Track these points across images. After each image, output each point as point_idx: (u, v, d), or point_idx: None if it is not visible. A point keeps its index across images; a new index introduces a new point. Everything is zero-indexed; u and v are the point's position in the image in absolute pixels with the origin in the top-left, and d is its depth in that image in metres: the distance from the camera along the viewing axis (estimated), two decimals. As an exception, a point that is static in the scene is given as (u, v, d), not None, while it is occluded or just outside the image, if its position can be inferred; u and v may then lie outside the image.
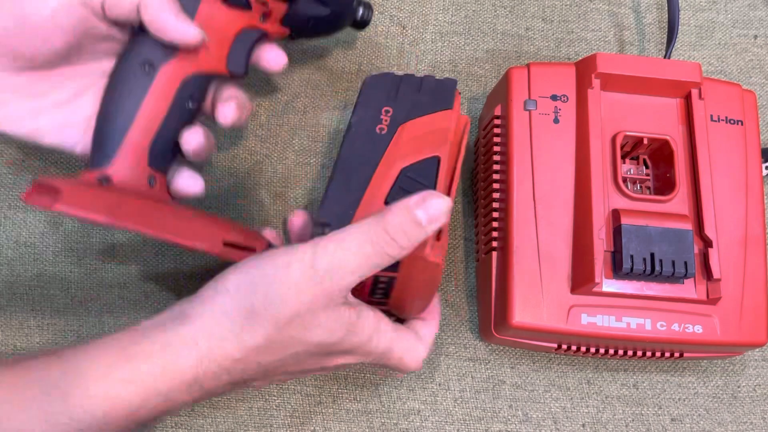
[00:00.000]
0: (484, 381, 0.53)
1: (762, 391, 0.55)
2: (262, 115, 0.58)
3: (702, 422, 0.53)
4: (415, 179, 0.44)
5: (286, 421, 0.51)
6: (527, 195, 0.49)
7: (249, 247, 0.43)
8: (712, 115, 0.51)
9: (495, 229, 0.50)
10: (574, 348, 0.50)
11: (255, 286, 0.38)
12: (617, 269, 0.47)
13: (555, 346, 0.50)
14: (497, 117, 0.53)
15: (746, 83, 0.63)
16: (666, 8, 0.62)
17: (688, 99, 0.51)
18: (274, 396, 0.51)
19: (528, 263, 0.48)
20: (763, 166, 0.57)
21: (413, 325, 0.45)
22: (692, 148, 0.50)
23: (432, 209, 0.39)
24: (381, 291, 0.45)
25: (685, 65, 0.51)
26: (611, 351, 0.50)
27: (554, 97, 0.51)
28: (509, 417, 0.52)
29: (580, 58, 0.52)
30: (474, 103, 0.60)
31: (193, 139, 0.45)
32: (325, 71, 0.60)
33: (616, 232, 0.47)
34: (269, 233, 0.47)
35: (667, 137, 0.50)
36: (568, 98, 0.51)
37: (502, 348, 0.54)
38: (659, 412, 0.53)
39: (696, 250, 0.48)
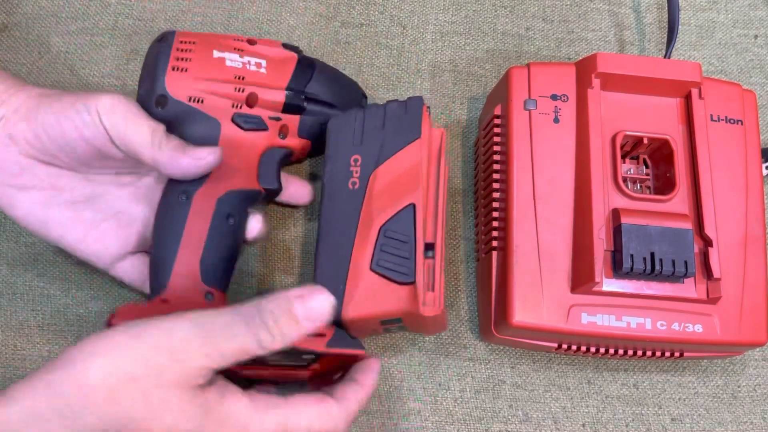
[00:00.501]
0: (484, 381, 0.53)
1: (762, 391, 0.55)
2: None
3: (702, 422, 0.53)
4: (395, 238, 0.45)
5: (286, 421, 0.51)
6: (527, 194, 0.49)
7: (318, 333, 0.42)
8: (712, 115, 0.51)
9: (495, 229, 0.50)
10: (574, 348, 0.50)
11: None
12: (617, 268, 0.47)
13: (555, 345, 0.50)
14: (497, 117, 0.53)
15: (746, 83, 0.63)
16: (666, 8, 0.62)
17: (688, 99, 0.51)
18: (274, 396, 0.51)
19: (528, 263, 0.48)
20: (763, 165, 0.57)
21: (339, 389, 0.42)
22: (692, 147, 0.50)
23: (313, 309, 0.38)
24: (396, 329, 0.47)
25: (685, 65, 0.51)
26: (611, 351, 0.50)
27: (554, 97, 0.51)
28: (509, 417, 0.52)
29: (581, 58, 0.52)
30: (474, 103, 0.60)
31: (252, 225, 0.49)
32: (325, 71, 0.60)
33: (616, 231, 0.47)
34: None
35: (667, 137, 0.50)
36: (568, 98, 0.51)
37: (502, 348, 0.54)
38: (659, 411, 0.53)
39: (696, 250, 0.48)
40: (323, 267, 0.45)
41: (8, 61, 0.57)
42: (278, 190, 0.50)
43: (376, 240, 0.45)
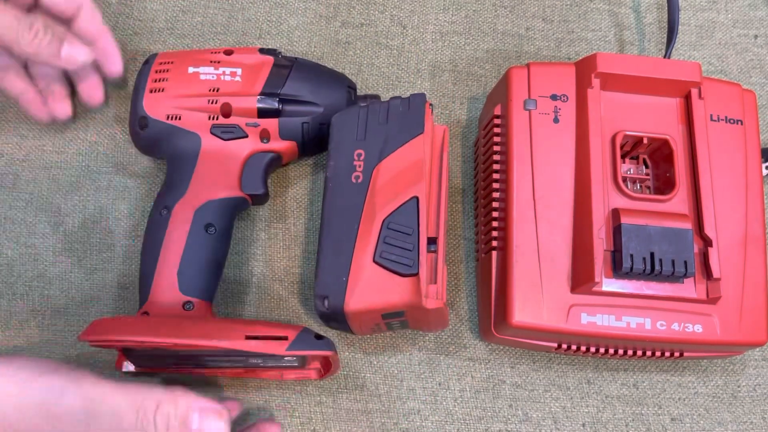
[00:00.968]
0: (484, 381, 0.53)
1: (762, 390, 0.55)
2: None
3: (702, 422, 0.53)
4: (398, 230, 0.45)
5: (287, 421, 0.51)
6: (527, 194, 0.49)
7: (277, 336, 0.43)
8: (711, 115, 0.51)
9: (495, 229, 0.50)
10: (574, 347, 0.50)
11: None
12: (617, 268, 0.47)
13: (555, 345, 0.50)
14: (497, 117, 0.53)
15: (746, 83, 0.63)
16: (666, 8, 0.62)
17: (687, 99, 0.51)
18: (275, 396, 0.51)
19: (528, 263, 0.48)
20: (763, 165, 0.57)
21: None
22: (692, 147, 0.50)
23: (207, 426, 0.38)
24: (398, 324, 0.48)
25: (685, 65, 0.51)
26: (611, 350, 0.50)
27: (554, 97, 0.51)
28: (509, 416, 0.52)
29: (581, 58, 0.52)
30: (474, 102, 0.60)
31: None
32: (325, 71, 0.60)
33: (616, 231, 0.47)
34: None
35: (667, 137, 0.50)
36: (568, 98, 0.51)
37: (502, 348, 0.54)
38: (659, 411, 0.53)
39: (696, 250, 0.48)
40: (326, 259, 0.45)
41: (8, 61, 0.57)
42: (265, 195, 0.51)
43: (379, 232, 0.45)
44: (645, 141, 0.50)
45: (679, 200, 0.49)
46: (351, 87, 0.54)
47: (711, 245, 0.48)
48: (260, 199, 0.52)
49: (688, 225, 0.47)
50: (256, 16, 0.61)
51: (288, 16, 0.61)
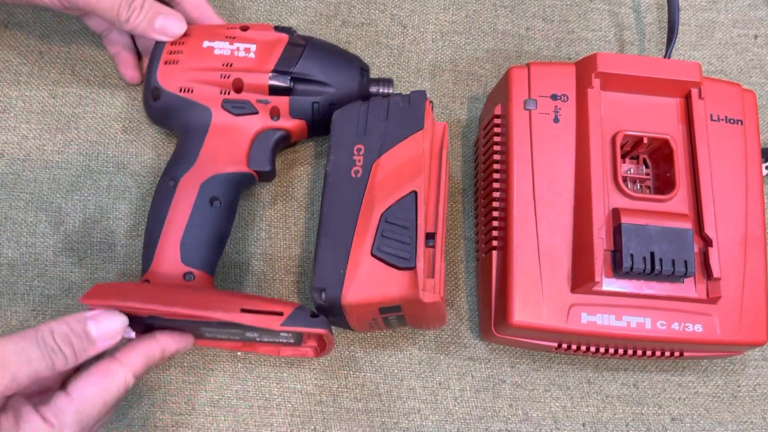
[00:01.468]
0: (484, 380, 0.53)
1: (762, 390, 0.55)
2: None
3: (702, 422, 0.53)
4: (397, 224, 0.45)
5: (287, 420, 0.51)
6: (527, 194, 0.49)
7: (273, 311, 0.44)
8: (711, 115, 0.51)
9: (495, 229, 0.50)
10: (574, 347, 0.50)
11: None
12: (617, 268, 0.47)
13: (555, 345, 0.50)
14: (497, 116, 0.53)
15: (746, 83, 0.63)
16: (666, 8, 0.62)
17: (688, 98, 0.51)
18: (275, 395, 0.51)
19: (528, 262, 0.48)
20: (763, 165, 0.57)
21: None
22: (692, 147, 0.50)
23: (107, 328, 0.40)
24: (395, 320, 0.47)
25: (685, 65, 0.51)
26: (611, 350, 0.50)
27: (554, 97, 0.51)
28: (509, 416, 0.52)
29: (581, 58, 0.52)
30: (474, 102, 0.60)
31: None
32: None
33: (616, 231, 0.47)
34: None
35: (667, 137, 0.50)
36: (568, 98, 0.51)
37: (502, 347, 0.54)
38: (659, 411, 0.53)
39: (696, 249, 0.48)
40: (324, 252, 0.45)
41: (9, 60, 0.57)
42: (272, 172, 0.51)
43: (378, 226, 0.45)
44: (645, 141, 0.50)
45: (679, 200, 0.49)
46: (364, 69, 0.54)
47: (711, 245, 0.48)
48: (267, 176, 0.52)
49: (688, 225, 0.47)
50: (256, 15, 0.61)
51: (288, 15, 0.62)
